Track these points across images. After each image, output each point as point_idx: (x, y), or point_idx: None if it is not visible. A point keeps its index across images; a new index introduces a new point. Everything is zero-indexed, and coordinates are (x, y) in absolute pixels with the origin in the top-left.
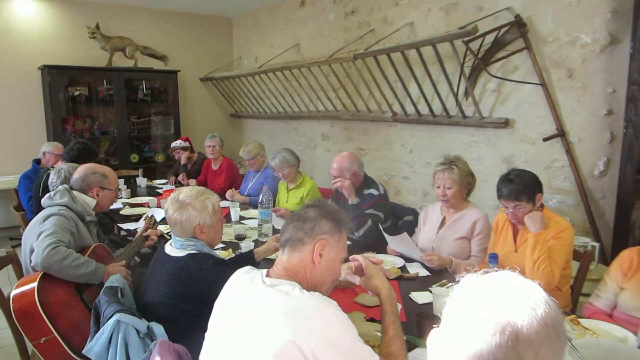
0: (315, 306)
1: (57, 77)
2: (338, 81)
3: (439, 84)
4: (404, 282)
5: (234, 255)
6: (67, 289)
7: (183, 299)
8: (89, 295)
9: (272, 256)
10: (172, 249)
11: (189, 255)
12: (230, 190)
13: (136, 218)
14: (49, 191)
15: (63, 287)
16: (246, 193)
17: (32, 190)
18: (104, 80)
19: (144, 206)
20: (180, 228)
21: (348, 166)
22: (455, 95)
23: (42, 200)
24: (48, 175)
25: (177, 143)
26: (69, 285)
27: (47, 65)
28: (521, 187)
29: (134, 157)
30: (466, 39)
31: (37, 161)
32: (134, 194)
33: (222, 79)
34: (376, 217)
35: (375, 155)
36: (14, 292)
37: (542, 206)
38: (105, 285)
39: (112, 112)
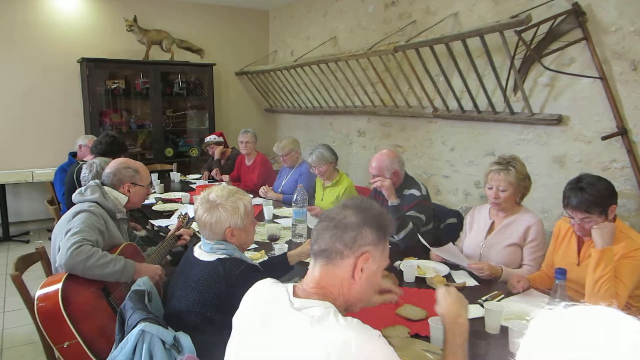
0: (355, 339)
1: (95, 70)
2: (376, 75)
3: (485, 77)
4: None
5: (266, 257)
6: (93, 291)
7: (212, 307)
8: (117, 297)
9: (307, 260)
10: (202, 252)
11: (218, 260)
12: (263, 187)
13: (168, 214)
14: (80, 185)
15: (89, 289)
16: (280, 190)
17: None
18: (141, 74)
19: (177, 202)
20: (209, 230)
21: (388, 165)
22: (504, 90)
23: (73, 195)
24: (80, 169)
25: (211, 138)
26: (96, 287)
27: (85, 58)
28: (593, 197)
29: (169, 151)
30: (518, 29)
31: (74, 154)
32: (167, 188)
33: (257, 73)
34: (418, 220)
35: (413, 153)
36: (39, 292)
37: (614, 218)
38: (132, 288)
39: (148, 105)
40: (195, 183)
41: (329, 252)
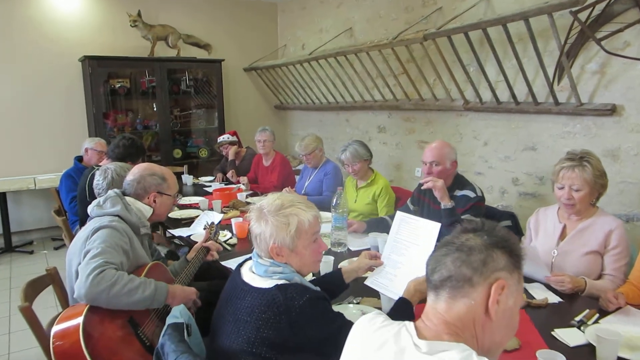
0: None
1: (97, 69)
2: (401, 66)
3: (524, 65)
4: (532, 311)
5: (311, 275)
6: (119, 323)
7: (272, 346)
8: (147, 329)
9: (365, 275)
10: (254, 277)
11: (277, 287)
12: (286, 188)
13: (187, 222)
14: (92, 194)
15: (114, 322)
16: (303, 192)
17: (74, 191)
18: (146, 72)
19: (194, 207)
20: (256, 244)
21: (449, 153)
22: (551, 79)
23: (90, 208)
24: (94, 175)
25: (225, 137)
26: (122, 318)
27: (87, 56)
28: None
29: (177, 153)
30: (574, 9)
31: (79, 159)
32: (180, 193)
33: (267, 68)
34: None
35: None
36: (55, 328)
37: None
38: (168, 322)
39: (154, 105)
40: (209, 186)
41: (454, 280)
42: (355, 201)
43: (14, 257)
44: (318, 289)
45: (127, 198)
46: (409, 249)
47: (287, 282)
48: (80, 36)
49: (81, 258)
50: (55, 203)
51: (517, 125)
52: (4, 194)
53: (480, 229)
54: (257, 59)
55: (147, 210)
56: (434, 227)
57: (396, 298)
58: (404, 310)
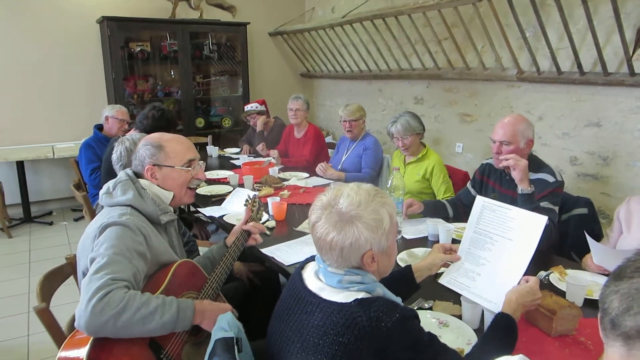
0: None
1: (117, 32)
2: (447, 30)
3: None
4: None
5: None
6: (137, 352)
7: None
8: (173, 350)
9: (440, 271)
10: (322, 286)
11: (358, 302)
12: (322, 164)
13: (218, 200)
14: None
15: (130, 350)
16: (339, 167)
17: (94, 162)
18: (167, 35)
19: (223, 182)
20: (339, 255)
21: (524, 129)
22: (634, 46)
23: (100, 196)
24: None
25: (252, 107)
26: (140, 345)
27: (106, 17)
28: None
29: (200, 122)
30: None
31: (100, 127)
32: (205, 166)
33: (295, 33)
34: (552, 214)
35: (487, 123)
36: (60, 355)
37: None
38: (215, 337)
39: (175, 71)
40: (237, 158)
41: None
42: (403, 177)
43: (33, 228)
44: (400, 300)
45: (142, 181)
46: (496, 243)
47: (368, 294)
48: None
49: (88, 264)
50: (75, 175)
51: (580, 98)
52: (21, 163)
53: None
54: (284, 22)
55: (166, 196)
56: (538, 220)
57: (480, 302)
58: (507, 329)
